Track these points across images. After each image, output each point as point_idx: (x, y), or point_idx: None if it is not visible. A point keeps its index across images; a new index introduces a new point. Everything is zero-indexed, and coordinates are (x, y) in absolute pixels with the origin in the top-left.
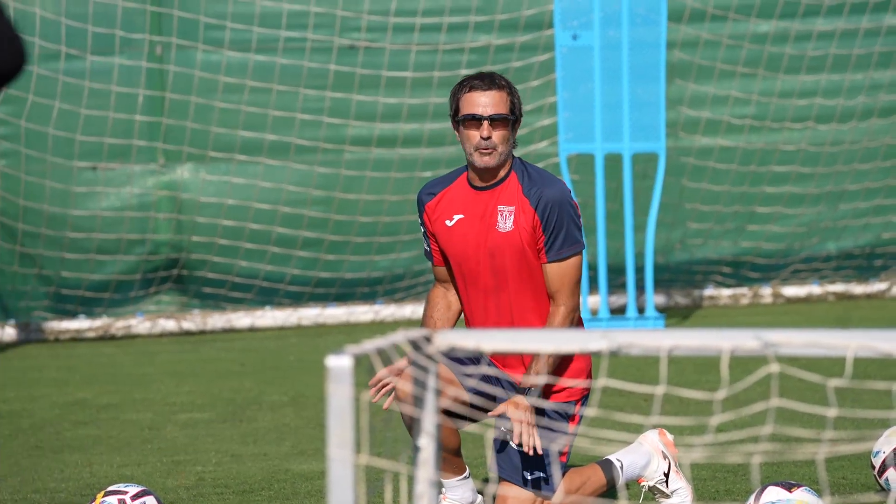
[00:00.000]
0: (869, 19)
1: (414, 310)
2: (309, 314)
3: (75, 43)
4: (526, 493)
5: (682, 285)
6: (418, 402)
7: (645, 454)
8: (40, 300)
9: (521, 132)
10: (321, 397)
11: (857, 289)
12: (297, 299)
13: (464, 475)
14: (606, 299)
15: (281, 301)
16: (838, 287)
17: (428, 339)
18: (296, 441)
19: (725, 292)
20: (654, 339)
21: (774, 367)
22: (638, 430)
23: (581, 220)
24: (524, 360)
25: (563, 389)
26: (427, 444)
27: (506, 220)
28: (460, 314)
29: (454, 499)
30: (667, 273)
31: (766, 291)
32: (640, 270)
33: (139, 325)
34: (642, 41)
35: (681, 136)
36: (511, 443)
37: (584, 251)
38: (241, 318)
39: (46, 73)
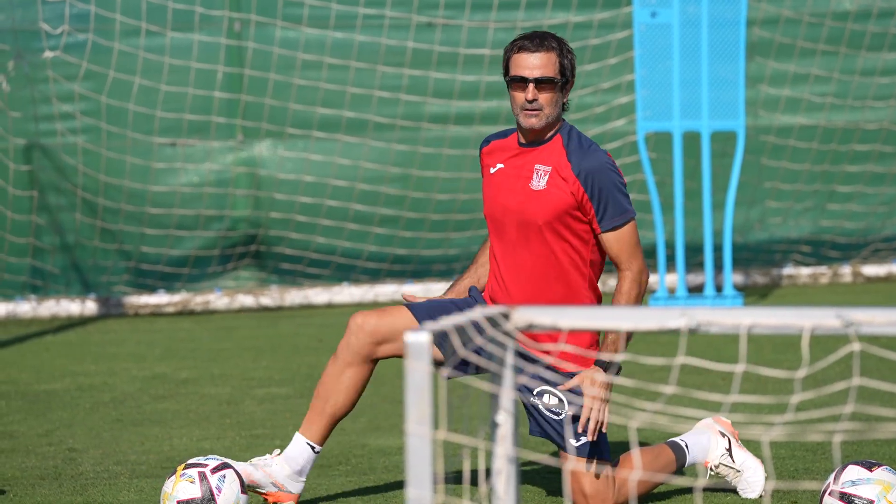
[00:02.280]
0: None
1: None
2: (386, 291)
3: (155, 19)
4: (573, 459)
5: (760, 264)
6: (496, 378)
7: (705, 436)
8: (120, 275)
9: (598, 110)
10: (397, 373)
11: None
12: (375, 276)
13: None
14: (684, 277)
15: (358, 278)
16: None
17: (506, 316)
18: (372, 416)
19: (805, 271)
20: (734, 316)
21: (856, 346)
22: (716, 408)
23: (626, 188)
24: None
25: (575, 357)
26: (505, 420)
27: (540, 179)
28: None
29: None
30: (745, 252)
31: (846, 270)
32: (718, 249)
33: (217, 300)
34: (722, 18)
35: (760, 114)
36: (541, 405)
37: (634, 218)
38: (319, 295)
39: (127, 49)
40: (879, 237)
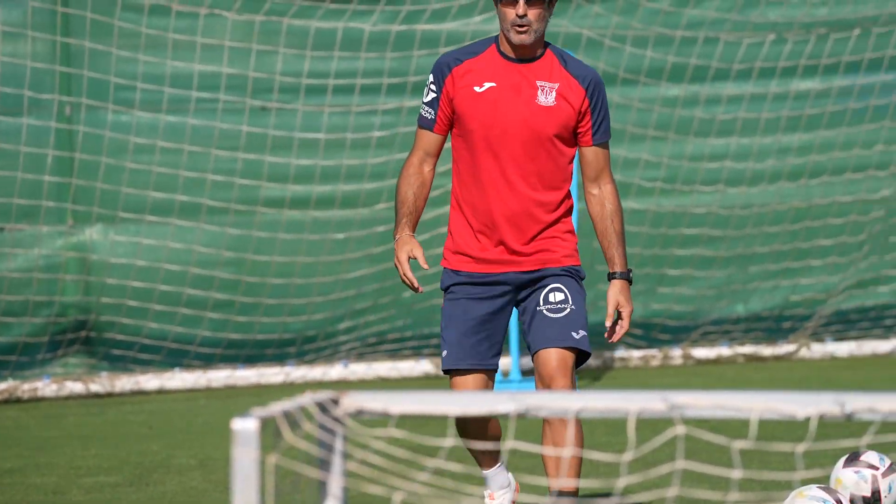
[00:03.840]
0: (777, 84)
1: (325, 371)
2: (219, 376)
3: None
4: (570, 356)
5: (593, 347)
6: (325, 465)
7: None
8: None
9: (434, 193)
10: (229, 460)
11: (766, 350)
12: (208, 361)
13: (501, 462)
14: (518, 360)
15: (191, 363)
16: (747, 349)
17: (335, 402)
18: None
19: (636, 354)
20: (563, 400)
21: (681, 429)
22: (546, 492)
23: None
24: (511, 248)
25: (572, 253)
26: None
27: (547, 95)
28: (430, 188)
29: (498, 488)
30: None
31: (677, 353)
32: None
33: (46, 387)
34: None
35: None
36: (547, 310)
37: None
38: (150, 381)
39: None
40: (708, 320)
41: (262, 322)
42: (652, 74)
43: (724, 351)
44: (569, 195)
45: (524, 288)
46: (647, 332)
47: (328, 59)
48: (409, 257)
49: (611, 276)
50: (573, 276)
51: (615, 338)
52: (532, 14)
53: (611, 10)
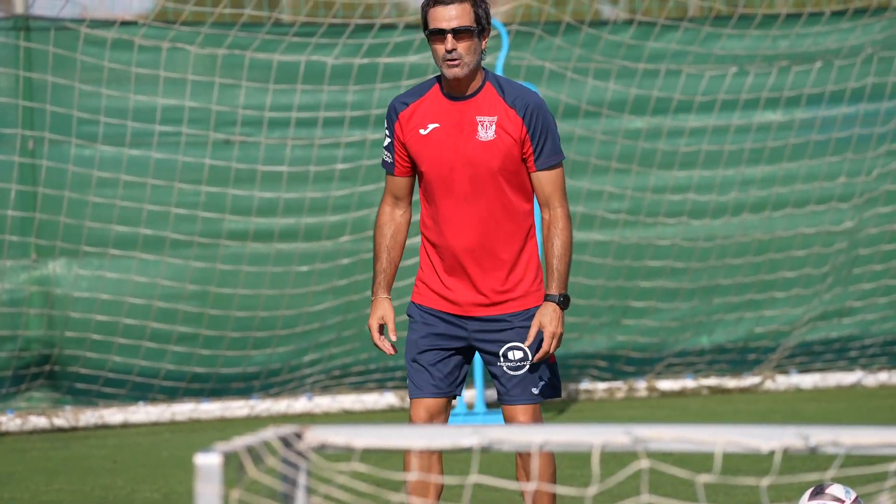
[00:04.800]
0: (739, 116)
1: (290, 404)
2: (183, 409)
3: None
4: (534, 406)
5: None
6: (288, 500)
7: None
8: None
9: None
10: (193, 495)
11: (731, 382)
12: (172, 395)
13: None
14: (483, 393)
15: (155, 396)
16: (712, 381)
17: (298, 436)
18: None
19: (601, 386)
20: (526, 434)
21: (644, 463)
22: None
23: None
24: (474, 288)
25: (535, 289)
26: None
27: (486, 130)
28: (407, 232)
29: None
30: None
31: (641, 385)
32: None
33: (9, 422)
34: None
35: None
36: (507, 367)
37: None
38: (114, 415)
39: None
40: (673, 352)
41: (227, 355)
42: (614, 107)
43: (688, 383)
44: (531, 222)
45: (485, 333)
46: (612, 364)
47: (291, 92)
48: (380, 324)
49: (544, 298)
50: (531, 318)
51: (535, 358)
52: (462, 47)
53: (573, 43)
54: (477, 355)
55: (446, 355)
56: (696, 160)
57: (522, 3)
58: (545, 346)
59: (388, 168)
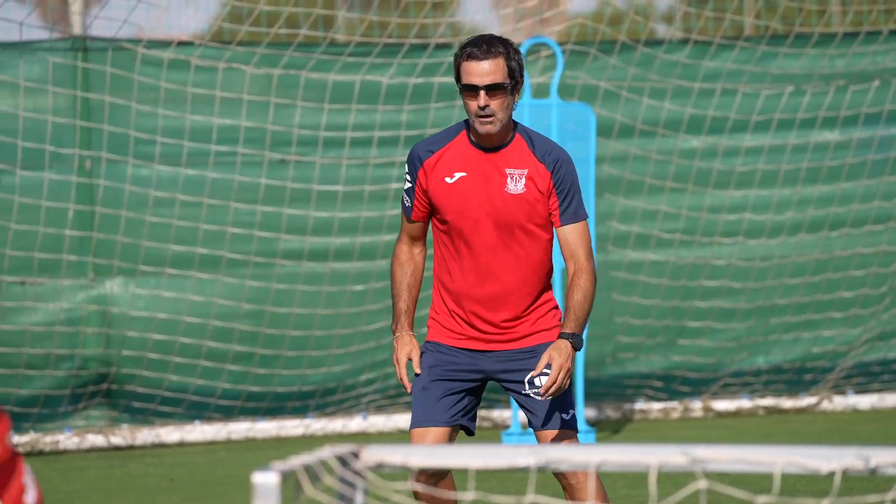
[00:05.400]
0: (796, 135)
1: (345, 423)
2: (239, 428)
3: (5, 158)
4: (570, 432)
5: (613, 399)
6: None
7: None
8: None
9: None
10: None
11: (787, 403)
12: (228, 413)
13: None
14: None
15: (211, 415)
16: (768, 401)
17: (355, 455)
18: None
19: (656, 406)
20: (583, 453)
21: (702, 484)
22: None
23: None
24: (488, 330)
25: (552, 328)
26: None
27: (516, 183)
28: (423, 269)
29: None
30: (598, 387)
31: (697, 405)
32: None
33: (67, 440)
34: (572, 156)
35: (610, 249)
36: (533, 393)
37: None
38: (171, 433)
39: None
40: (729, 372)
41: (282, 374)
42: (670, 126)
43: (744, 403)
44: (551, 272)
45: (509, 362)
46: (668, 384)
47: (346, 111)
48: (408, 358)
49: (559, 336)
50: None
51: (547, 394)
52: (495, 104)
53: (628, 62)
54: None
55: (457, 389)
56: (753, 179)
57: (577, 23)
58: (552, 379)
59: (407, 212)
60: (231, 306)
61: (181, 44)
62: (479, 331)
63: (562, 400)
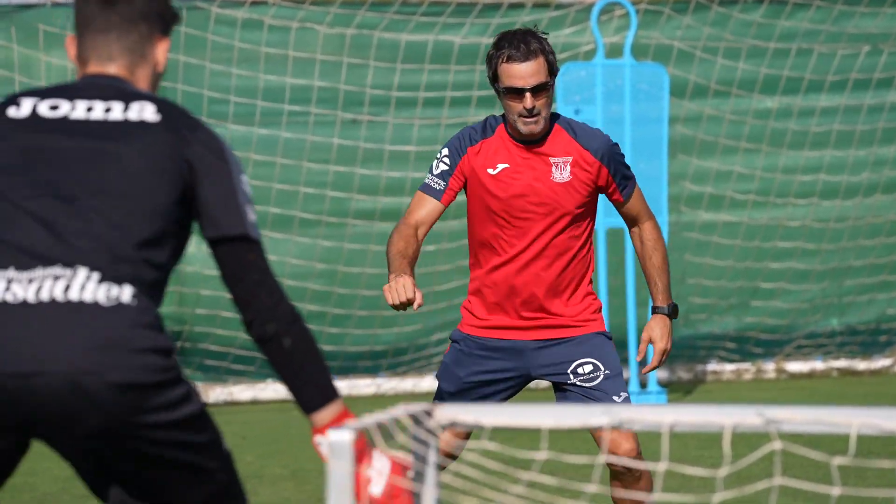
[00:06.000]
0: (872, 96)
1: (416, 383)
2: None
3: None
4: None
5: (685, 360)
6: (419, 476)
7: None
8: None
9: None
10: (322, 471)
11: (861, 365)
12: None
13: None
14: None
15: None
16: (842, 363)
17: (429, 414)
18: None
19: (728, 367)
20: (656, 414)
21: (777, 445)
22: None
23: None
24: (528, 317)
25: (593, 317)
26: None
27: (561, 171)
28: (417, 256)
29: None
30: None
31: (770, 367)
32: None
33: None
34: (645, 116)
35: (683, 211)
36: (580, 381)
37: None
38: (243, 391)
39: None
40: (802, 334)
41: (354, 333)
42: (744, 86)
43: (818, 365)
44: (591, 259)
45: (549, 352)
46: (741, 346)
47: (419, 71)
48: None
49: (653, 311)
50: (595, 337)
51: (645, 370)
52: (540, 104)
53: (702, 22)
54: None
55: (491, 392)
56: (828, 140)
57: None
58: (654, 363)
59: (434, 194)
60: (303, 266)
61: (255, 3)
62: (522, 317)
63: (615, 384)
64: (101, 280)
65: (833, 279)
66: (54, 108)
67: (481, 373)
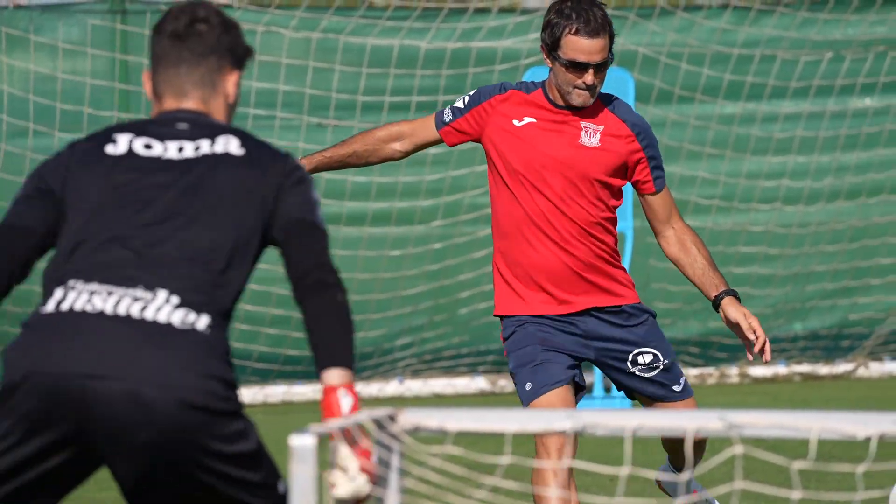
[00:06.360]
0: (835, 102)
1: (381, 388)
2: (276, 392)
3: (43, 120)
4: (689, 400)
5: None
6: (382, 481)
7: None
8: None
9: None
10: (285, 476)
11: (823, 369)
12: (264, 377)
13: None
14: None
15: (248, 379)
16: (805, 367)
17: (392, 419)
18: None
19: (692, 372)
20: (619, 418)
21: (738, 449)
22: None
23: None
24: (574, 286)
25: (631, 287)
26: None
27: (591, 137)
28: (379, 161)
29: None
30: None
31: (733, 371)
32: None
33: None
34: None
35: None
36: (639, 370)
37: None
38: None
39: (14, 150)
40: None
41: None
42: (708, 92)
43: (781, 370)
44: (615, 238)
45: (611, 327)
46: (704, 351)
47: (384, 76)
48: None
49: (719, 298)
50: (646, 320)
51: (767, 356)
52: (598, 79)
53: (667, 28)
54: None
55: (556, 352)
56: (791, 146)
57: None
58: (762, 334)
59: (440, 123)
60: (268, 270)
61: (220, 7)
62: (551, 296)
63: (669, 375)
64: (179, 305)
65: (796, 284)
66: (148, 147)
67: (552, 340)
